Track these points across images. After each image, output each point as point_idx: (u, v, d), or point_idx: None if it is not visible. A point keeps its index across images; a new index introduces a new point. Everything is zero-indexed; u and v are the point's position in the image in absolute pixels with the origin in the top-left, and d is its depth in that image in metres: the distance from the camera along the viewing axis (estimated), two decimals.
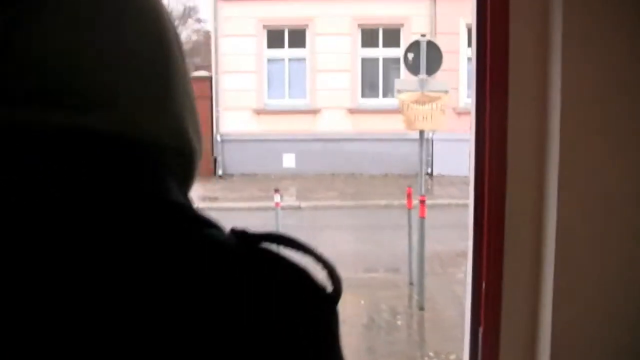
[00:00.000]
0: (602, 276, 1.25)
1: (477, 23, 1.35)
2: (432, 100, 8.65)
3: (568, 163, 1.23)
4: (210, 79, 16.10)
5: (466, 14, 15.06)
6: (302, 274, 0.54)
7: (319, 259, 0.56)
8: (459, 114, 15.10)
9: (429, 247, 8.10)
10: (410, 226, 8.42)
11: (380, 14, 15.40)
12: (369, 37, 15.94)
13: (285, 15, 15.48)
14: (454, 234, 10.49)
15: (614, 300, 1.25)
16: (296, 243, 0.56)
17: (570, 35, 1.21)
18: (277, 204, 9.04)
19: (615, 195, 1.24)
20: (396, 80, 9.61)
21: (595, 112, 1.22)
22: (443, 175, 15.27)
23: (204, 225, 0.55)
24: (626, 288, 1.24)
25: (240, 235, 0.55)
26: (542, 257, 1.31)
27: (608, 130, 1.23)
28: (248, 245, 0.54)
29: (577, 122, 1.23)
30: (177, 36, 0.61)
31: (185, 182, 0.60)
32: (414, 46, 8.87)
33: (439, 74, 9.22)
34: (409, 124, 8.77)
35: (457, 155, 14.81)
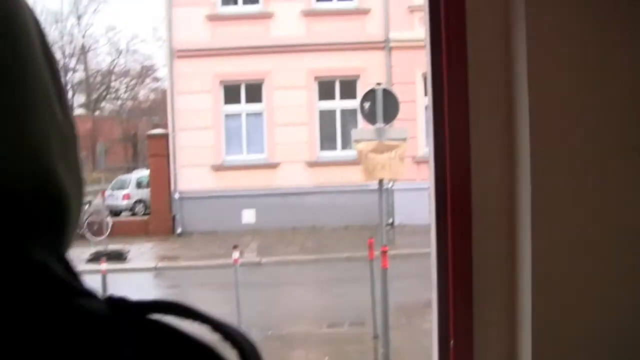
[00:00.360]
0: (581, 326, 1.19)
1: (432, 70, 1.31)
2: (390, 148, 8.60)
3: (539, 206, 1.17)
4: (167, 136, 15.94)
5: (421, 64, 15.22)
6: (200, 351, 0.45)
7: (224, 330, 0.46)
8: (418, 162, 15.22)
9: (393, 298, 7.95)
10: (372, 278, 8.26)
11: (336, 66, 15.53)
12: (325, 89, 16.04)
13: (241, 70, 15.49)
14: (418, 283, 10.33)
15: (595, 343, 1.19)
16: (193, 312, 0.46)
17: (535, 84, 1.17)
18: (235, 260, 8.84)
19: (591, 228, 1.19)
20: (353, 130, 9.56)
21: (564, 163, 1.18)
22: (405, 225, 15.12)
23: (74, 293, 0.45)
24: (609, 328, 1.19)
25: (119, 306, 0.46)
26: (516, 307, 1.24)
27: (578, 171, 1.18)
28: (130, 317, 0.45)
29: (548, 173, 1.18)
30: (46, 49, 0.51)
31: (59, 235, 0.49)
32: (370, 95, 8.85)
33: (396, 123, 9.26)
34: (368, 174, 8.72)
35: (418, 204, 14.74)
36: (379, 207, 8.58)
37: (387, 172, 8.61)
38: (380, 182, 8.70)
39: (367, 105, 8.84)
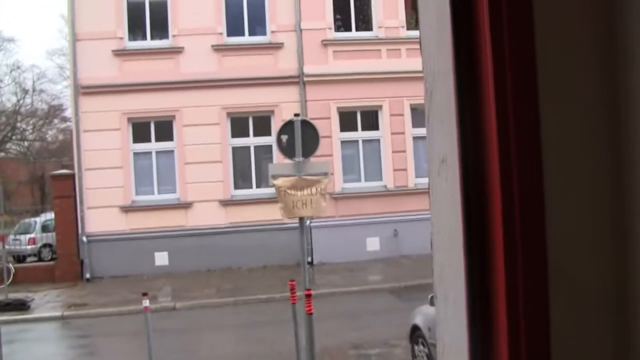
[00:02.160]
0: None
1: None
2: (311, 184, 8.41)
3: None
4: (73, 177, 15.04)
5: (337, 98, 15.20)
6: None
7: None
8: (336, 199, 15.34)
9: (317, 341, 7.58)
10: (296, 322, 7.77)
11: (250, 102, 15.23)
12: (239, 125, 15.74)
13: (151, 107, 14.94)
14: (342, 324, 9.95)
15: None
16: None
17: None
18: (146, 308, 8.08)
19: None
20: (270, 165, 9.26)
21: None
22: (324, 263, 15.12)
23: None
24: None
25: None
26: None
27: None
28: None
29: None
30: None
31: None
32: (288, 127, 8.62)
33: (312, 159, 9.01)
34: (287, 211, 8.48)
35: (336, 242, 14.75)
36: (300, 246, 8.30)
37: (308, 210, 8.45)
38: (301, 220, 8.43)
39: (284, 138, 8.62)
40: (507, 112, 1.00)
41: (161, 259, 14.96)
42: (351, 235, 15.10)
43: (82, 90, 14.84)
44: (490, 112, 1.00)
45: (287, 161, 8.93)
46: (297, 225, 8.61)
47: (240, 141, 15.61)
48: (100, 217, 14.81)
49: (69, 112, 27.47)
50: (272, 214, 13.93)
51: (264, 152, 15.77)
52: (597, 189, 1.02)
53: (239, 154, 15.74)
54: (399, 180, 15.57)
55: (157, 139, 15.29)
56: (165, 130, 15.34)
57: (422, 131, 15.08)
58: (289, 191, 8.53)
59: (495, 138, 0.99)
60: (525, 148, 1.00)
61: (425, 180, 15.90)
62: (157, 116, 15.17)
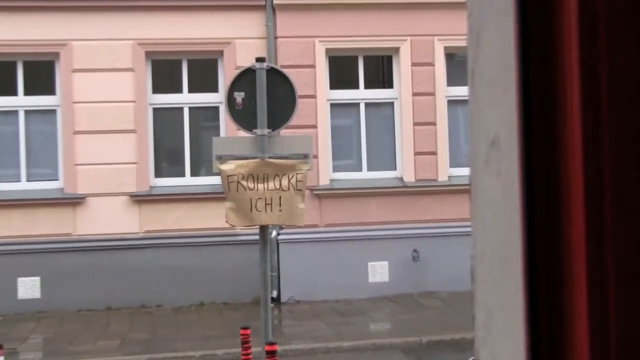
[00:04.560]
0: None
1: None
2: (280, 172, 8.68)
3: None
4: None
5: (325, 34, 15.28)
6: None
7: None
8: (321, 197, 15.50)
9: None
10: None
11: (183, 36, 15.35)
12: (164, 74, 15.81)
13: (18, 38, 14.89)
14: None
15: None
16: None
17: None
18: None
19: None
20: (215, 140, 9.30)
21: None
22: (298, 301, 15.30)
23: None
24: None
25: None
26: None
27: None
28: None
29: None
30: None
31: None
32: (245, 79, 8.75)
33: (288, 131, 9.05)
34: (241, 216, 8.76)
35: (319, 267, 14.89)
36: (260, 273, 8.33)
37: (274, 214, 8.77)
38: (263, 231, 8.72)
39: (239, 97, 8.78)
40: (598, 63, 1.04)
41: (28, 288, 15.03)
42: (344, 256, 15.25)
43: None
44: (571, 66, 1.05)
45: (243, 134, 8.94)
46: (257, 238, 8.59)
47: (167, 99, 15.71)
48: None
49: None
50: (215, 218, 13.93)
51: (205, 119, 15.81)
52: None
53: (165, 121, 15.84)
54: (424, 171, 15.72)
55: (28, 92, 15.39)
56: (41, 77, 15.41)
57: (462, 92, 15.23)
58: (244, 182, 8.67)
59: (578, 107, 1.03)
60: (628, 124, 1.04)
61: (466, 171, 15.98)
62: (27, 53, 15.26)
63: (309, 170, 9.19)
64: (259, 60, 9.09)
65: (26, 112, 15.31)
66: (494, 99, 1.13)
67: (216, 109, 15.30)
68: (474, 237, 1.19)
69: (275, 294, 14.92)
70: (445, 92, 15.81)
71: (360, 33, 15.48)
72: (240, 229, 11.60)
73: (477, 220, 1.18)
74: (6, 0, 14.87)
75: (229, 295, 15.05)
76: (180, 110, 15.72)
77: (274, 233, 14.55)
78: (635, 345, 1.03)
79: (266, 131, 8.97)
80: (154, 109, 15.63)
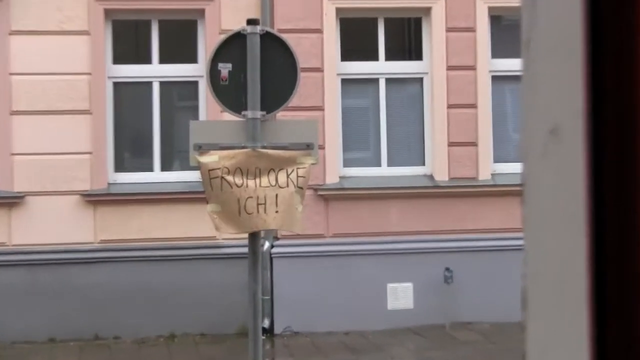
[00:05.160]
0: None
1: None
2: (277, 166, 8.85)
3: None
4: None
5: None
6: None
7: None
8: (328, 199, 15.59)
9: None
10: None
11: None
12: (129, 39, 15.99)
13: None
14: None
15: None
16: None
17: None
18: None
19: None
20: (193, 125, 9.33)
21: None
22: (297, 333, 15.35)
23: None
24: None
25: None
26: None
27: None
28: None
29: None
30: None
31: None
32: (233, 47, 8.89)
33: (288, 114, 9.05)
34: (227, 220, 8.93)
35: (324, 289, 14.88)
36: (249, 296, 8.34)
37: (269, 218, 8.93)
38: (253, 240, 8.95)
39: (225, 69, 8.87)
40: None
41: None
42: (356, 276, 15.32)
43: None
44: None
45: (230, 117, 9.03)
46: (244, 250, 8.58)
47: (132, 72, 15.82)
48: None
49: None
50: (192, 225, 14.13)
51: (180, 98, 16.00)
52: None
53: (129, 100, 15.97)
54: (460, 167, 15.80)
55: None
56: None
57: (512, 65, 15.26)
58: (229, 178, 8.83)
59: None
60: None
61: (516, 167, 15.97)
62: None
63: (313, 164, 9.22)
64: (251, 22, 9.16)
65: None
66: (554, 76, 1.14)
67: (194, 84, 15.38)
68: (526, 251, 1.19)
69: (267, 323, 14.88)
70: (489, 65, 15.89)
71: None
72: (224, 238, 11.62)
73: (530, 229, 1.18)
74: None
75: (207, 325, 15.08)
76: (148, 85, 15.79)
77: (267, 245, 14.53)
78: None
79: (259, 114, 9.01)
80: (115, 84, 15.71)
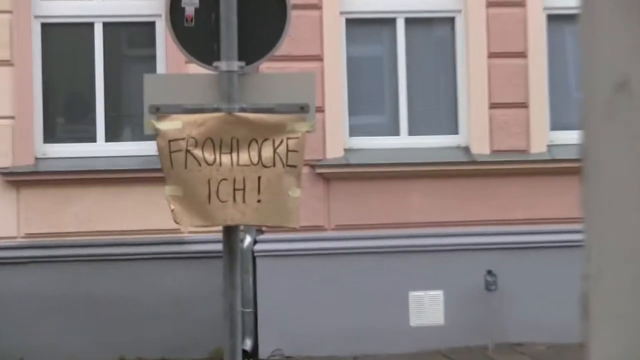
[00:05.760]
0: None
1: None
2: (260, 134, 8.89)
3: None
4: None
5: None
6: None
7: None
8: (330, 179, 15.61)
9: None
10: None
11: None
12: None
13: None
14: None
15: None
16: None
17: None
18: None
19: None
20: (147, 80, 9.33)
21: None
22: (288, 358, 15.41)
23: None
24: None
25: None
26: None
27: None
28: None
29: None
30: None
31: None
32: None
33: (274, 65, 9.02)
34: (191, 209, 8.96)
35: (325, 299, 14.90)
36: (224, 306, 8.64)
37: (250, 206, 8.95)
38: (230, 234, 9.03)
39: (190, 7, 9.00)
40: None
41: None
42: (368, 282, 15.28)
43: None
44: None
45: (197, 70, 9.48)
46: (218, 248, 8.69)
47: (66, 9, 15.83)
48: None
49: None
50: (147, 213, 14.34)
51: (131, 44, 16.29)
52: None
53: (62, 47, 16.00)
54: (506, 137, 15.81)
55: None
56: None
57: (572, 2, 15.19)
58: (197, 152, 8.86)
59: None
60: None
61: (573, 136, 16.01)
62: None
63: (308, 132, 9.16)
64: None
65: None
66: (621, 18, 1.15)
67: (150, 26, 15.39)
68: (587, 245, 1.20)
69: (249, 345, 14.98)
70: (544, 0, 15.86)
71: None
72: (191, 232, 11.62)
73: (592, 216, 1.18)
74: None
75: (168, 347, 15.12)
76: (88, 27, 15.78)
77: (248, 241, 14.59)
78: None
79: (236, 65, 9.01)
80: (44, 26, 15.75)
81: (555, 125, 15.68)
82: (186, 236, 13.96)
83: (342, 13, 15.51)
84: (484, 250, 15.33)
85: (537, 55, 15.63)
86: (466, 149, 15.67)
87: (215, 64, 9.07)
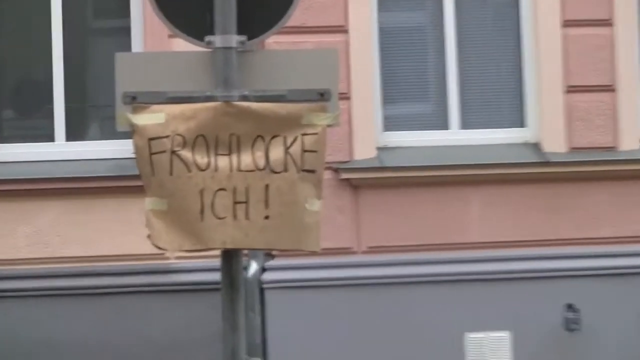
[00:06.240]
0: None
1: None
2: (268, 129, 8.75)
3: None
4: None
5: None
6: None
7: None
8: (358, 187, 15.43)
9: None
10: None
11: None
12: None
13: None
14: None
15: None
16: None
17: None
18: None
19: None
20: (119, 60, 9.13)
21: None
22: None
23: None
24: None
25: None
26: None
27: None
28: None
29: None
30: None
31: None
32: None
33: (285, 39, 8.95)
34: (177, 228, 8.82)
35: (347, 339, 14.75)
36: (224, 353, 8.81)
37: (255, 224, 8.84)
38: (230, 261, 8.95)
39: None
40: None
41: None
42: (410, 320, 15.10)
43: None
44: None
45: (184, 45, 9.45)
46: (215, 278, 9.18)
47: None
48: None
49: None
50: (125, 234, 14.28)
51: (98, 13, 16.14)
52: None
53: (14, 17, 15.98)
54: (588, 131, 15.62)
55: None
56: None
57: None
58: (185, 154, 8.71)
59: None
60: None
61: None
62: None
63: (330, 126, 8.89)
64: None
65: None
66: None
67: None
68: None
69: None
70: None
71: None
72: (177, 257, 11.51)
73: None
74: None
75: None
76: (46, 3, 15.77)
77: (254, 269, 14.51)
78: None
79: (235, 40, 8.85)
80: None
81: None
82: (173, 263, 13.84)
83: None
84: (563, 278, 15.17)
85: (628, 23, 15.46)
86: (536, 147, 15.54)
87: (207, 38, 8.88)
